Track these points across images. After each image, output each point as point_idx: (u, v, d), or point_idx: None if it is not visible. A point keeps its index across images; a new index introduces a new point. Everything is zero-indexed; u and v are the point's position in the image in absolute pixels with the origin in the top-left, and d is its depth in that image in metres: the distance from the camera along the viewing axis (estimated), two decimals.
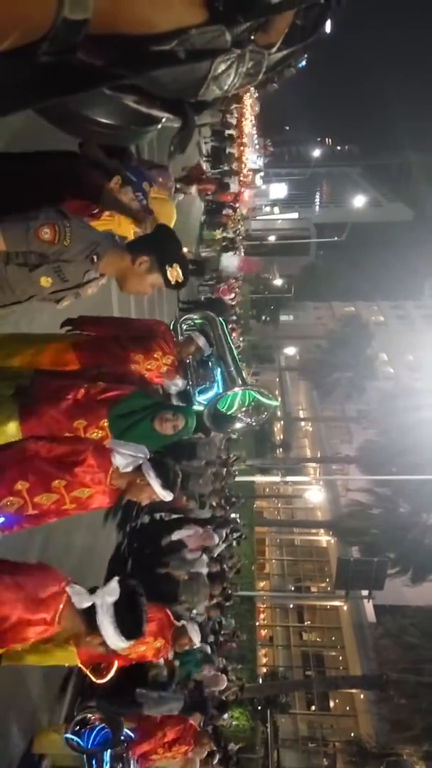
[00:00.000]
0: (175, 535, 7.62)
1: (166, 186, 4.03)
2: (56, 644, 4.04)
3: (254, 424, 6.16)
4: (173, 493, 3.22)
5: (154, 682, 5.89)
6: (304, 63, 1.32)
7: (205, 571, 6.97)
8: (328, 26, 1.23)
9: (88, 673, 4.40)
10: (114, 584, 2.63)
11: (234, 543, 11.87)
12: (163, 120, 1.29)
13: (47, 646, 4.04)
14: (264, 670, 22.63)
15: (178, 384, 3.88)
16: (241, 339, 23.56)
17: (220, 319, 6.23)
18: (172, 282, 2.73)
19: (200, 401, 5.05)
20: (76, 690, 5.49)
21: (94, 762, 4.26)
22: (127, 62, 1.01)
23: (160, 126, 1.44)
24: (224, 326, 5.99)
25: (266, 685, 19.41)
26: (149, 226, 3.58)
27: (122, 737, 4.44)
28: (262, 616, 27.25)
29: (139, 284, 2.73)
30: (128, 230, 3.81)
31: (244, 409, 5.63)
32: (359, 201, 60.17)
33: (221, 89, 1.10)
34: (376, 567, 16.75)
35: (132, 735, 4.68)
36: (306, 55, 1.28)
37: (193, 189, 12.02)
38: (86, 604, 2.56)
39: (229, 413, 5.52)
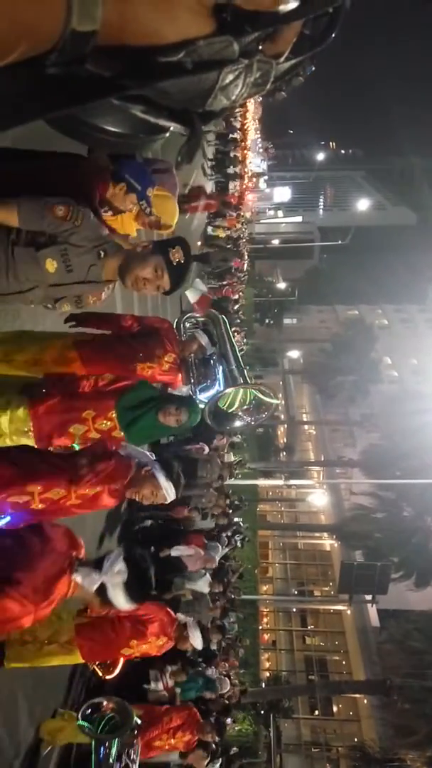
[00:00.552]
0: (175, 551, 7.47)
1: (170, 187, 4.03)
2: (60, 645, 4.07)
3: (253, 422, 6.15)
4: (176, 488, 3.26)
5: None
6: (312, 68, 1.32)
7: (207, 590, 6.91)
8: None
9: (96, 669, 4.45)
10: (121, 565, 2.72)
11: (238, 545, 11.86)
12: (171, 128, 1.29)
13: (51, 648, 4.07)
14: (267, 674, 22.56)
15: (182, 391, 3.89)
16: (244, 341, 23.55)
17: (223, 317, 6.23)
18: (174, 263, 2.67)
19: (201, 399, 5.06)
20: (82, 686, 5.54)
21: (102, 749, 4.28)
22: (134, 73, 1.01)
23: (167, 134, 1.44)
24: (227, 324, 5.98)
25: (269, 690, 19.34)
26: (153, 223, 3.59)
27: (132, 726, 4.48)
28: (265, 620, 27.21)
29: (141, 268, 2.64)
30: (131, 228, 3.82)
31: (244, 407, 5.63)
32: (363, 204, 59.95)
33: (229, 99, 1.10)
34: (380, 571, 16.66)
35: (139, 722, 4.73)
36: (314, 66, 1.27)
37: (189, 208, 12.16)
38: (96, 586, 2.69)
39: (229, 411, 5.53)
